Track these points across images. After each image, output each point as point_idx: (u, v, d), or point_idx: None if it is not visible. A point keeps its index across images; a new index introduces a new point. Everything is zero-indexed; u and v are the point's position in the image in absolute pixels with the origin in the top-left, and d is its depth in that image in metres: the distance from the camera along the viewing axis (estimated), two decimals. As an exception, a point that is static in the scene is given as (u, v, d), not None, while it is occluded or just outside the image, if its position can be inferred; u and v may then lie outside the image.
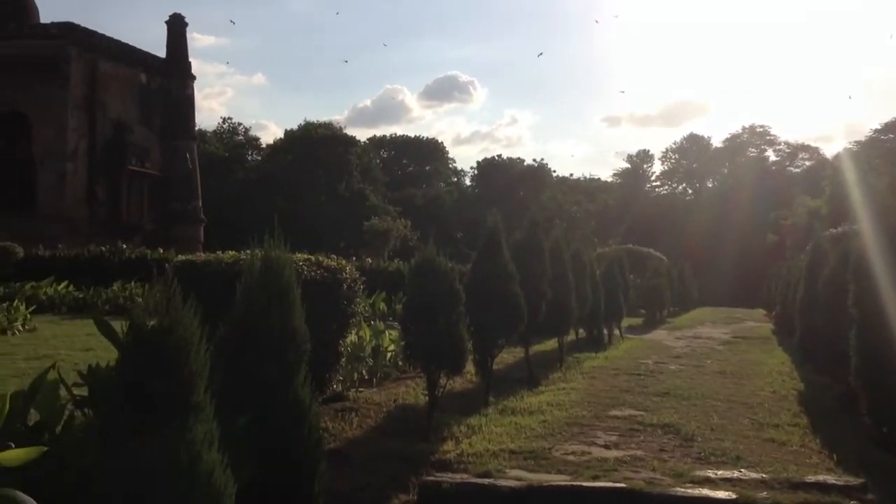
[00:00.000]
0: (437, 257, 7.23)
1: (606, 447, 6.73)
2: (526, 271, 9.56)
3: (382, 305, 16.66)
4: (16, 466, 4.13)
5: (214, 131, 73.30)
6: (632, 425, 7.65)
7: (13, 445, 4.34)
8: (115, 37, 38.23)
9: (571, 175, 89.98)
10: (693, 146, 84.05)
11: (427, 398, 7.45)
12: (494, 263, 8.86)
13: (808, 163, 77.72)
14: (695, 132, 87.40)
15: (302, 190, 60.22)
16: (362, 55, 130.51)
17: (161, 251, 25.89)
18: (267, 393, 4.72)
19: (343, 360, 8.03)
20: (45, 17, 40.43)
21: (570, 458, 6.32)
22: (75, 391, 5.44)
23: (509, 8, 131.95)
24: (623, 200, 76.55)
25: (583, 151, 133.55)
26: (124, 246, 26.18)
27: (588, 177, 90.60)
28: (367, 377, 9.26)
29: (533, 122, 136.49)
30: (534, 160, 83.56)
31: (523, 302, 9.07)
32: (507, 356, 11.31)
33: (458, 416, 7.68)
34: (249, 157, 73.88)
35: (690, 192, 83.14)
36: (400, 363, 9.84)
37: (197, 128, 46.01)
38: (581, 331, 15.50)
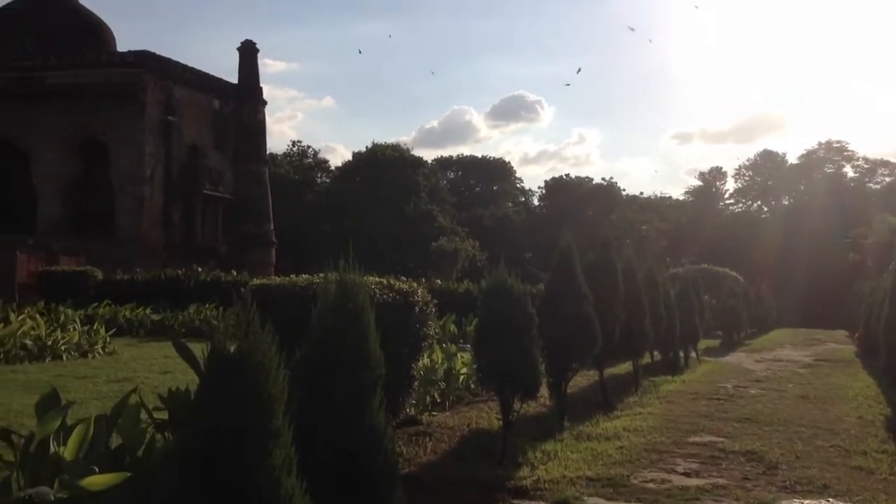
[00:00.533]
0: (509, 279, 7.17)
1: (687, 475, 6.56)
2: (599, 293, 9.42)
3: (453, 327, 16.63)
4: (99, 491, 4.19)
5: (285, 154, 74.48)
6: (713, 452, 7.45)
7: (97, 469, 4.40)
8: (189, 63, 39.27)
9: (642, 193, 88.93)
10: (767, 163, 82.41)
11: (501, 422, 7.37)
12: (567, 285, 8.75)
13: (887, 179, 75.51)
14: (769, 148, 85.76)
15: (370, 211, 60.76)
16: (429, 76, 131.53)
17: (234, 274, 26.32)
18: (342, 417, 4.71)
19: (416, 383, 8.00)
20: (122, 45, 41.76)
21: (650, 485, 6.17)
22: (156, 414, 5.52)
23: (576, 26, 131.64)
24: (695, 219, 75.35)
25: (653, 169, 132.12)
26: (199, 269, 26.67)
27: (659, 195, 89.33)
28: (439, 400, 9.21)
29: (601, 140, 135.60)
30: (602, 179, 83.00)
31: (597, 324, 8.94)
32: (581, 379, 11.16)
33: (533, 441, 7.58)
34: (319, 180, 74.83)
35: (766, 209, 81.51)
36: (472, 386, 9.78)
37: (268, 151, 46.86)
38: (656, 353, 15.23)
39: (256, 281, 8.13)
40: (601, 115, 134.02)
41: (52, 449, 4.50)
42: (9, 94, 35.62)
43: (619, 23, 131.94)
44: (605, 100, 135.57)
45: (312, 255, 46.95)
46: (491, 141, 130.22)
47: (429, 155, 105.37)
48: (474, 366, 7.54)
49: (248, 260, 37.20)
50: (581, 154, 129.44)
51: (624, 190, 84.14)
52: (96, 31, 40.89)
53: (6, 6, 40.67)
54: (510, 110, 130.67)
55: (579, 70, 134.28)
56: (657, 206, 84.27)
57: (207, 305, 20.72)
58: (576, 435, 8.07)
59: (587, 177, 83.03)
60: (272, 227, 42.64)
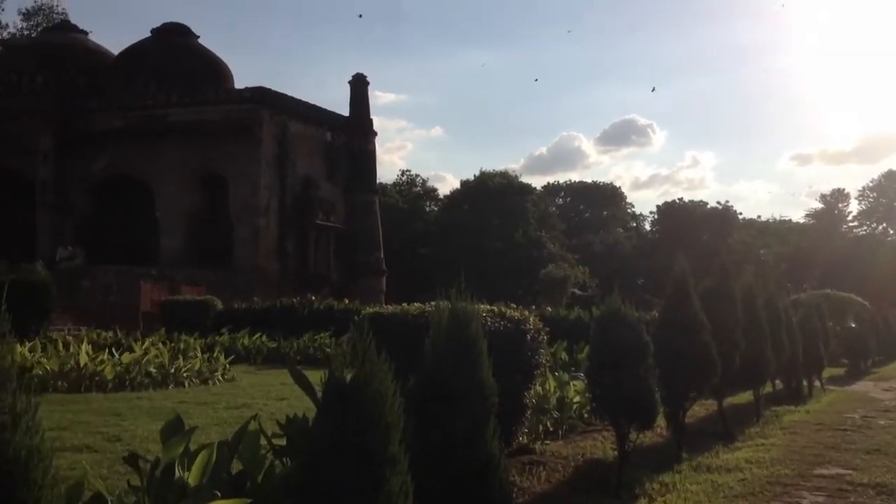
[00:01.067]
0: (623, 307, 7.06)
1: (813, 509, 6.28)
2: (717, 320, 9.16)
3: (564, 355, 16.46)
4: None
5: (394, 184, 75.60)
6: (840, 485, 7.11)
7: (219, 495, 4.50)
8: (303, 97, 40.42)
9: (759, 217, 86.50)
10: (893, 183, 79.04)
11: (616, 452, 7.22)
12: (683, 312, 8.56)
13: None
14: (894, 168, 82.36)
15: (478, 239, 60.96)
16: (537, 103, 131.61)
17: (347, 302, 26.76)
18: (456, 445, 4.71)
19: (528, 412, 7.93)
20: (239, 82, 43.33)
21: (774, 520, 5.94)
22: (274, 441, 5.63)
23: (687, 49, 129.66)
24: (817, 242, 72.75)
25: (768, 191, 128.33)
26: (313, 297, 27.23)
27: (778, 218, 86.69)
28: (552, 429, 9.09)
29: (716, 163, 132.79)
30: (717, 203, 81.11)
31: (715, 352, 8.70)
32: (699, 409, 10.85)
33: (650, 472, 7.39)
34: (427, 208, 75.62)
35: (892, 231, 78.10)
36: (585, 415, 9.62)
37: (378, 181, 47.67)
38: (778, 383, 14.70)
39: (369, 309, 8.24)
40: (716, 138, 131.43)
41: (177, 474, 4.63)
42: (134, 131, 37.36)
43: (733, 43, 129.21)
44: (720, 122, 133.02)
45: (422, 282, 47.37)
46: (601, 166, 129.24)
47: (538, 182, 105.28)
48: (588, 395, 7.43)
49: (359, 288, 37.83)
50: (695, 177, 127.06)
51: (740, 214, 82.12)
52: (215, 70, 42.55)
53: (131, 47, 42.77)
54: (621, 135, 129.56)
55: (653, 89, 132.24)
56: (776, 230, 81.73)
57: (321, 333, 21.10)
58: (694, 466, 7.84)
59: (701, 200, 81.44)
60: (382, 256, 43.27)
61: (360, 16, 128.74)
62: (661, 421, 8.37)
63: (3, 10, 66.79)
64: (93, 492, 4.61)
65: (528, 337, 7.36)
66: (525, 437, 8.06)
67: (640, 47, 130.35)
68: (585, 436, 9.14)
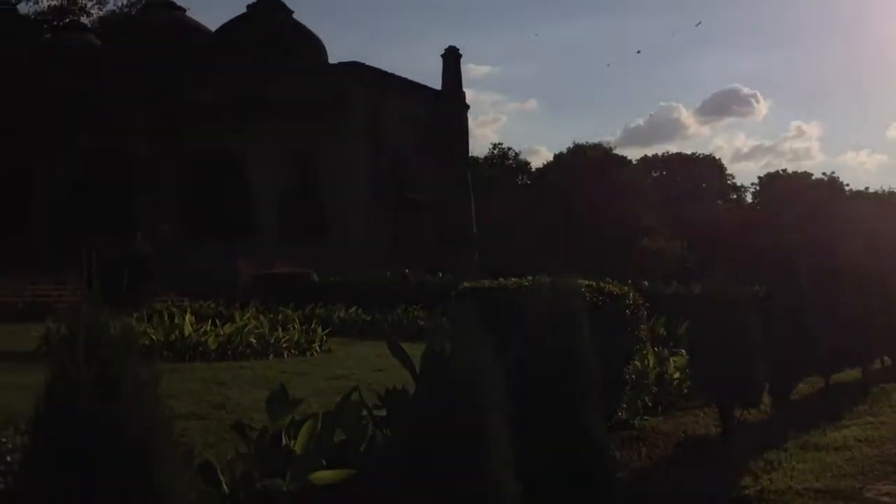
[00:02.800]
0: (727, 282, 6.89)
1: (927, 490, 6.04)
2: (823, 296, 8.88)
3: (663, 330, 16.17)
4: (326, 485, 4.35)
5: (486, 157, 75.40)
6: (954, 465, 6.82)
7: (324, 463, 4.57)
8: (395, 71, 40.55)
9: (867, 188, 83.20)
10: None
11: (718, 429, 7.09)
12: (788, 288, 8.32)
13: None
14: None
15: (572, 212, 60.39)
16: (635, 73, 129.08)
17: (440, 276, 26.88)
18: (557, 420, 4.68)
19: (628, 387, 7.84)
20: (332, 56, 43.74)
21: (885, 499, 5.74)
22: (374, 412, 5.69)
23: (792, 15, 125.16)
24: (931, 213, 69.64)
25: (879, 162, 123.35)
26: (406, 271, 27.45)
27: (887, 189, 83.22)
28: (651, 405, 8.95)
29: (822, 133, 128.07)
30: (823, 174, 78.44)
31: (821, 329, 8.44)
32: (805, 387, 10.53)
33: (755, 449, 7.22)
34: (520, 181, 75.24)
35: None
36: (686, 391, 9.46)
37: (470, 155, 47.59)
38: (886, 359, 14.15)
39: (466, 284, 8.23)
40: (822, 107, 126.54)
41: (283, 442, 4.73)
42: (228, 107, 38.11)
43: (841, 8, 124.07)
44: (826, 90, 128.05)
45: (514, 256, 47.23)
46: (701, 138, 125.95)
47: (634, 154, 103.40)
48: (689, 371, 7.30)
49: (452, 262, 37.94)
50: (800, 148, 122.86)
51: (847, 185, 79.19)
52: (309, 45, 43.02)
53: (227, 23, 43.59)
54: (722, 105, 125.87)
55: (699, 23, 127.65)
56: (886, 201, 78.54)
57: (414, 307, 21.26)
58: (801, 444, 7.62)
59: (805, 172, 78.87)
60: (475, 230, 43.29)
61: None
62: (765, 398, 8.18)
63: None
64: (202, 459, 4.73)
65: (628, 312, 7.26)
66: (624, 413, 7.97)
67: (744, 13, 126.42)
68: (686, 412, 8.98)
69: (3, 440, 3.80)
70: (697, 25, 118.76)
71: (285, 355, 13.80)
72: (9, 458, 3.63)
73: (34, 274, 26.34)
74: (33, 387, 7.10)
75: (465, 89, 43.92)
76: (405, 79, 41.12)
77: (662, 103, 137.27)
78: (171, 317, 15.34)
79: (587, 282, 7.49)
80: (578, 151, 66.94)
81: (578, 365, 4.63)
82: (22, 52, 49.91)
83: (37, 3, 58.49)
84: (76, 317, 2.29)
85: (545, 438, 4.53)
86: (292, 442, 4.76)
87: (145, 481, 2.08)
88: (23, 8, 57.85)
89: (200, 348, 13.03)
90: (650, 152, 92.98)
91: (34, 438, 2.19)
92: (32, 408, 2.29)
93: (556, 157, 69.64)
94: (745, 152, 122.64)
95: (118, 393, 2.11)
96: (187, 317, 14.74)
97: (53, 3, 58.18)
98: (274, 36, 40.88)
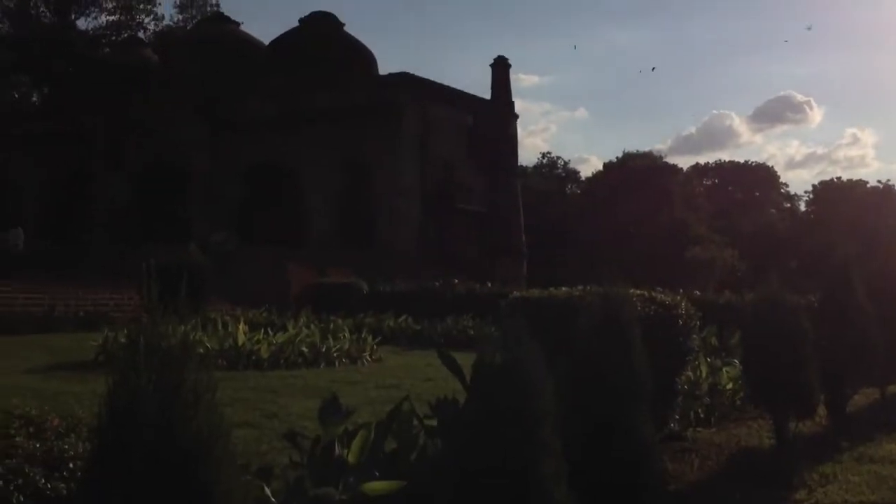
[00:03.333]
0: (781, 291, 6.79)
1: None
2: (881, 305, 8.71)
3: (714, 340, 16.00)
4: (378, 495, 4.38)
5: (534, 166, 75.29)
6: None
7: (377, 474, 4.61)
8: (444, 81, 40.73)
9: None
10: None
11: (772, 441, 6.99)
12: (843, 297, 8.18)
13: None
14: None
15: (621, 221, 59.94)
16: (687, 81, 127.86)
17: (489, 285, 26.88)
18: (609, 431, 4.66)
19: (680, 398, 7.76)
20: (383, 67, 44.12)
21: (945, 515, 5.60)
22: (425, 421, 5.71)
23: (847, 21, 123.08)
24: None
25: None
26: (455, 280, 27.49)
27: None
28: (703, 416, 8.86)
29: (877, 139, 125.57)
30: (878, 181, 76.92)
31: (878, 339, 8.27)
32: (860, 398, 10.32)
33: (809, 461, 7.10)
34: (569, 190, 74.95)
35: None
36: (738, 402, 9.35)
37: (519, 164, 47.52)
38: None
39: (516, 293, 8.23)
40: (878, 114, 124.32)
41: (336, 451, 4.77)
42: (282, 119, 38.61)
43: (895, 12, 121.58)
44: (882, 96, 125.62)
45: (563, 266, 47.01)
46: (753, 146, 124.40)
47: (686, 162, 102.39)
48: (743, 381, 7.21)
49: (500, 271, 37.89)
50: (854, 156, 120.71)
51: (905, 192, 77.44)
52: (360, 57, 43.42)
53: (280, 37, 44.19)
54: (775, 112, 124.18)
55: (809, 28, 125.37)
56: (944, 209, 76.62)
57: (464, 316, 21.28)
58: (856, 456, 7.47)
59: (861, 179, 77.45)
60: (523, 239, 43.19)
61: None
62: (820, 410, 8.04)
63: (160, 3, 70.19)
64: (255, 467, 4.79)
65: (680, 322, 7.19)
66: (676, 424, 7.90)
67: (797, 20, 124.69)
68: (739, 423, 8.87)
69: (66, 447, 3.90)
70: (809, 29, 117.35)
71: (336, 364, 13.90)
72: (71, 465, 3.73)
73: (92, 284, 26.90)
74: (93, 394, 7.25)
75: (514, 99, 44.00)
76: (454, 89, 41.27)
77: (715, 111, 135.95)
78: (225, 326, 15.55)
79: (638, 291, 7.44)
80: (628, 160, 66.44)
81: (631, 375, 4.61)
82: (82, 67, 51.23)
83: (95, 19, 59.97)
84: (136, 326, 2.36)
85: (597, 449, 4.51)
86: (345, 451, 4.80)
87: (204, 488, 2.13)
88: (82, 24, 59.40)
89: (253, 357, 13.19)
90: (702, 160, 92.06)
91: (96, 445, 2.25)
92: (94, 415, 2.36)
93: (605, 165, 69.25)
94: (798, 160, 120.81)
95: (177, 400, 2.17)
96: (240, 326, 14.93)
97: (111, 18, 59.57)
98: (325, 48, 41.34)
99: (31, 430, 4.15)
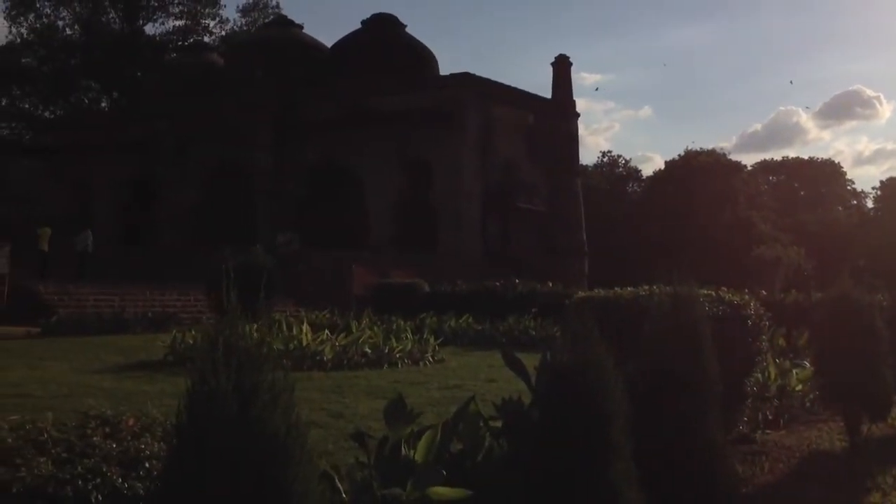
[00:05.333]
0: (855, 290, 6.64)
1: None
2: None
3: (782, 341, 15.70)
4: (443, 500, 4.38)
5: (595, 165, 74.71)
6: None
7: (444, 474, 4.61)
8: (506, 80, 40.64)
9: None
10: None
11: (844, 444, 6.83)
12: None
13: None
14: None
15: (683, 220, 59.13)
16: (753, 78, 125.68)
17: (550, 285, 26.74)
18: (679, 432, 4.60)
19: (749, 400, 7.62)
20: (444, 68, 44.23)
21: None
22: (490, 423, 5.70)
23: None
24: None
25: None
26: (516, 280, 27.41)
27: None
28: (772, 418, 8.70)
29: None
30: (950, 178, 74.55)
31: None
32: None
33: (883, 465, 6.92)
34: (630, 189, 74.23)
35: None
36: (808, 404, 9.16)
37: (580, 163, 47.21)
38: None
39: (580, 293, 8.17)
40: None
41: (403, 452, 4.79)
42: (344, 120, 38.94)
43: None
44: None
45: (625, 265, 46.52)
46: (821, 142, 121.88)
47: (751, 159, 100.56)
48: (813, 383, 7.05)
49: (561, 270, 37.67)
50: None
51: (980, 189, 74.96)
52: (421, 58, 43.60)
53: (342, 39, 44.60)
54: (844, 108, 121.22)
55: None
56: None
57: (525, 316, 21.20)
58: (934, 462, 7.27)
59: (932, 176, 75.22)
60: (584, 238, 42.91)
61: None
62: (894, 411, 7.83)
63: (224, 7, 71.43)
64: (323, 467, 4.83)
65: (750, 322, 7.07)
66: (745, 427, 7.77)
67: (866, 13, 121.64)
68: (809, 426, 8.69)
69: (142, 447, 3.99)
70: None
71: (399, 365, 13.95)
72: (147, 465, 3.81)
73: (160, 285, 27.50)
74: (162, 394, 7.42)
75: (577, 98, 43.73)
76: (515, 88, 41.19)
77: (781, 108, 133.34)
78: (290, 327, 15.73)
79: (705, 291, 7.33)
80: (690, 157, 65.54)
81: (701, 376, 4.55)
82: (149, 72, 52.41)
83: (162, 24, 61.31)
84: (212, 326, 2.40)
85: (667, 451, 4.46)
86: (412, 452, 4.82)
87: (283, 488, 2.16)
88: (150, 29, 60.77)
89: (317, 357, 13.31)
90: (768, 157, 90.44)
91: (176, 445, 2.30)
92: (167, 415, 2.40)
93: (666, 163, 68.38)
94: (867, 156, 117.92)
95: (255, 400, 2.20)
96: (304, 326, 15.09)
97: (178, 24, 60.85)
98: (387, 50, 41.61)
99: (107, 430, 4.24)
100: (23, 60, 57.39)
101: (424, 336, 16.41)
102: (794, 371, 9.65)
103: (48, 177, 45.95)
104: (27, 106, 59.64)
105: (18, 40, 57.89)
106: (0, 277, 23.34)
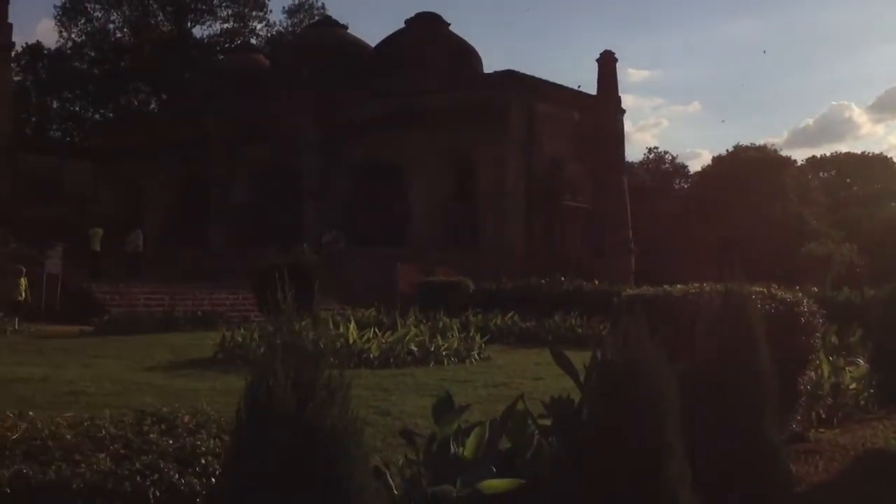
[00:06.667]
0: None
1: None
2: None
3: (834, 338, 15.43)
4: (494, 493, 4.39)
5: (641, 162, 74.09)
6: None
7: (494, 469, 4.61)
8: (551, 77, 40.46)
9: None
10: None
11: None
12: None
13: None
14: None
15: (731, 216, 58.37)
16: (804, 72, 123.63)
17: (596, 283, 26.59)
18: (733, 431, 4.55)
19: (802, 398, 7.51)
20: (488, 66, 44.15)
21: None
22: (539, 420, 5.69)
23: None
24: None
25: None
26: (562, 278, 27.29)
27: None
28: (825, 417, 8.57)
29: None
30: None
31: None
32: None
33: (943, 466, 6.80)
34: (676, 185, 73.46)
35: None
36: (862, 402, 9.01)
37: (626, 160, 46.82)
38: None
39: (629, 291, 8.12)
40: None
41: (452, 449, 4.80)
42: (388, 119, 39.08)
43: None
44: None
45: (671, 262, 46.05)
46: (874, 137, 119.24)
47: (802, 155, 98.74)
48: (868, 381, 6.93)
49: (607, 268, 37.42)
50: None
51: None
52: (465, 56, 43.56)
53: (386, 38, 44.75)
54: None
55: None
56: None
57: (571, 314, 21.11)
58: None
59: None
60: (631, 235, 42.57)
61: None
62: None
63: (271, 10, 72.24)
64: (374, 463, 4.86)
65: (803, 320, 6.97)
66: (798, 425, 7.66)
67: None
68: (863, 424, 8.55)
69: (198, 443, 4.04)
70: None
71: (445, 363, 13.97)
72: (203, 461, 3.86)
73: (210, 284, 27.87)
74: (213, 391, 7.50)
75: (624, 94, 43.47)
76: (560, 85, 40.98)
77: (833, 102, 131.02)
78: (336, 325, 15.84)
79: (757, 288, 7.24)
80: (738, 153, 64.69)
81: (755, 374, 4.49)
82: (197, 73, 53.11)
83: (210, 27, 62.11)
84: (271, 325, 2.42)
85: (721, 450, 4.42)
86: (460, 449, 4.82)
87: (340, 483, 2.18)
88: (197, 32, 61.58)
89: (364, 355, 13.39)
90: (820, 153, 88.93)
91: (235, 440, 2.33)
92: (227, 412, 2.43)
93: (714, 159, 67.59)
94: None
95: (313, 397, 2.22)
96: (351, 325, 15.19)
97: (226, 26, 61.57)
98: (431, 49, 41.64)
99: (162, 427, 4.31)
100: (73, 65, 58.51)
101: (470, 334, 16.41)
102: (847, 369, 9.50)
103: (100, 178, 46.76)
104: (77, 108, 60.78)
105: (69, 44, 59.01)
106: (53, 277, 23.80)
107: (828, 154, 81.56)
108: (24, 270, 21.69)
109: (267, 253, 24.66)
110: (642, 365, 3.76)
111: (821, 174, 78.08)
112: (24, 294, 21.09)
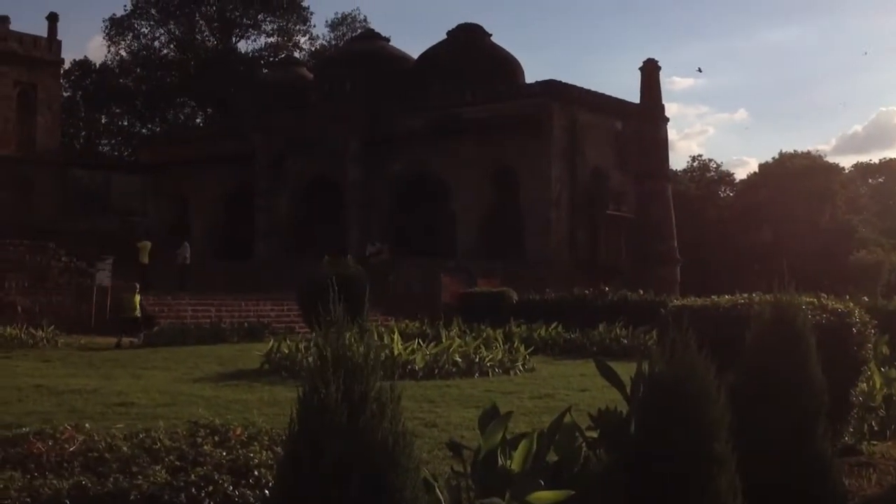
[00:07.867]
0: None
1: None
2: None
3: (885, 349, 15.12)
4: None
5: (685, 170, 73.41)
6: None
7: (542, 483, 4.60)
8: (592, 87, 40.24)
9: None
10: None
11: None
12: None
13: None
14: None
15: (778, 224, 57.56)
16: (852, 79, 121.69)
17: (641, 293, 26.37)
18: (785, 444, 4.50)
19: (854, 410, 7.39)
20: (530, 76, 44.10)
21: None
22: (586, 433, 5.66)
23: None
24: None
25: None
26: (606, 288, 27.11)
27: None
28: (877, 429, 8.41)
29: None
30: None
31: None
32: None
33: None
34: (722, 194, 72.67)
35: None
36: (917, 415, 8.82)
37: (671, 168, 46.42)
38: None
39: (676, 301, 8.06)
40: None
41: (499, 461, 4.79)
42: (431, 131, 39.22)
43: None
44: None
45: (717, 271, 45.57)
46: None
47: (850, 162, 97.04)
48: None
49: (652, 278, 37.10)
50: None
51: None
52: (507, 66, 43.58)
53: (428, 50, 44.93)
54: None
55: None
56: None
57: (616, 324, 20.96)
58: None
59: None
60: (675, 245, 42.17)
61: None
62: None
63: (314, 25, 72.88)
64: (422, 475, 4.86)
65: (854, 330, 6.86)
66: (850, 437, 7.54)
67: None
68: (917, 437, 8.38)
69: (251, 455, 4.09)
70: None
71: (490, 374, 13.95)
72: (256, 473, 3.91)
73: (256, 295, 28.14)
74: (261, 402, 7.57)
75: (668, 102, 43.16)
76: (602, 94, 40.79)
77: (882, 108, 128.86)
78: (381, 336, 15.90)
79: (807, 298, 7.15)
80: (785, 160, 63.86)
81: (806, 386, 4.44)
82: (242, 87, 53.83)
83: (255, 41, 62.96)
84: (321, 337, 2.45)
85: (772, 463, 4.37)
86: (508, 461, 4.81)
87: (391, 495, 2.20)
88: (242, 46, 62.45)
89: (409, 367, 13.42)
90: (869, 159, 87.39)
91: (288, 452, 2.36)
92: (277, 424, 2.46)
93: (760, 167, 66.72)
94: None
95: (364, 409, 2.25)
96: (395, 336, 15.23)
97: (270, 41, 62.34)
98: (473, 60, 41.73)
99: (216, 438, 4.37)
100: (121, 81, 59.62)
101: (514, 345, 16.37)
102: (900, 380, 9.32)
103: (147, 191, 47.52)
104: (125, 123, 61.89)
105: (117, 59, 60.13)
106: (103, 290, 24.18)
107: (876, 160, 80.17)
108: (138, 287, 21.76)
109: (311, 265, 24.84)
110: (690, 376, 3.74)
111: (869, 181, 76.75)
112: (137, 309, 21.07)
